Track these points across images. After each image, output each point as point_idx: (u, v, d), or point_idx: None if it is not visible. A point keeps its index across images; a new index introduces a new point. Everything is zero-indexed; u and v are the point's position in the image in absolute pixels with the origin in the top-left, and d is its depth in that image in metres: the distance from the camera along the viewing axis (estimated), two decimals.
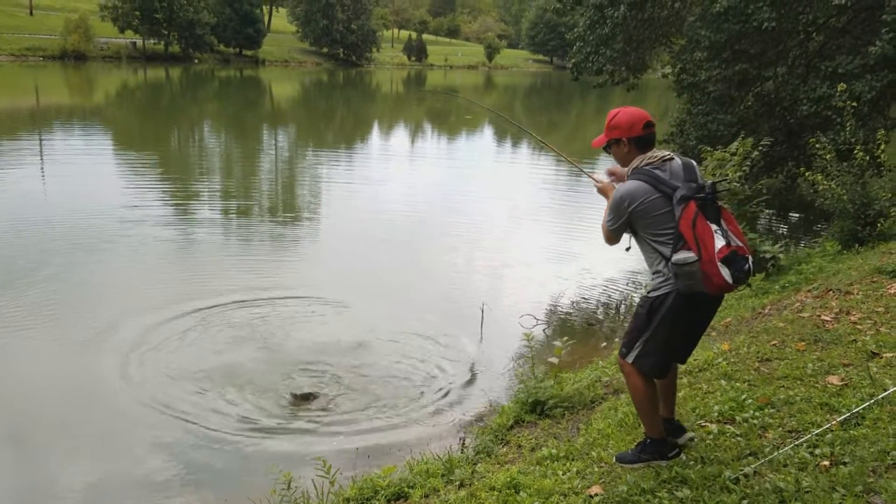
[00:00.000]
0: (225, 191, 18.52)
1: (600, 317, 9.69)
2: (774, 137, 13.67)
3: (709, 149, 10.42)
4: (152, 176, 19.40)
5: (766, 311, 7.24)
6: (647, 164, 3.56)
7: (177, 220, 14.52)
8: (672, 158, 3.60)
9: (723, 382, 4.88)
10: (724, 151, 10.24)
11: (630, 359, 3.66)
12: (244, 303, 9.31)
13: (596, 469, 3.86)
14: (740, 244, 3.40)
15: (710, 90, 15.69)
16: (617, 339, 8.24)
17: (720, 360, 5.40)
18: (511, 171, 25.31)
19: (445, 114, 47.09)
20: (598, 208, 12.76)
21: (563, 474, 3.86)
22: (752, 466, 3.59)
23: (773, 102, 15.69)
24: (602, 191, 3.95)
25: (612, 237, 3.73)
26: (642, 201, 3.49)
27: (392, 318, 9.10)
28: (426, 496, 3.99)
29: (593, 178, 4.09)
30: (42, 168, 19.54)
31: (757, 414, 4.24)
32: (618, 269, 11.49)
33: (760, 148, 10.41)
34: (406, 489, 4.13)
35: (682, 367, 5.47)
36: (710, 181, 3.47)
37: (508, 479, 3.80)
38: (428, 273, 11.33)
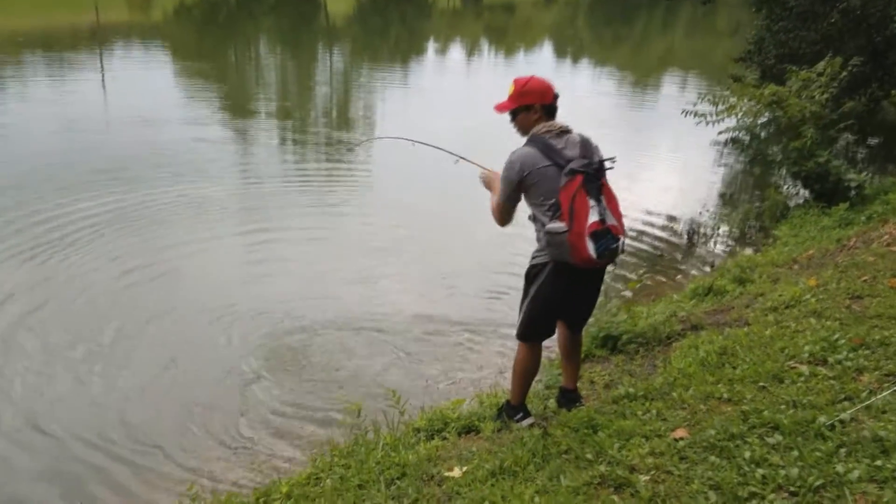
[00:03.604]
0: (281, 106, 18.42)
1: (669, 246, 9.25)
2: (859, 57, 12.77)
3: (794, 68, 9.79)
4: (211, 91, 19.43)
5: (852, 243, 6.85)
6: (544, 132, 3.55)
7: (233, 132, 14.55)
8: (570, 131, 3.59)
9: (812, 321, 4.60)
10: (811, 72, 9.62)
11: (518, 331, 3.80)
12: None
13: (679, 411, 3.66)
14: (615, 223, 3.42)
15: (791, 5, 14.69)
16: (695, 272, 7.91)
17: (808, 296, 5.10)
18: (570, 87, 24.54)
19: (503, 30, 45.76)
20: (662, 135, 12.32)
21: (643, 414, 3.69)
22: (849, 412, 3.35)
23: (860, 19, 14.63)
24: (487, 181, 3.98)
25: (504, 210, 3.67)
26: (533, 168, 3.48)
27: (451, 247, 8.94)
28: (498, 430, 3.87)
29: (483, 168, 4.10)
30: (103, 82, 19.72)
31: (850, 355, 3.98)
32: (681, 197, 11.02)
33: (850, 68, 9.75)
34: (476, 423, 4.02)
35: (766, 304, 5.23)
36: (597, 158, 3.50)
37: (585, 418, 3.64)
38: (483, 202, 10.86)
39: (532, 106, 3.58)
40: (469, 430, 4.00)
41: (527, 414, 3.92)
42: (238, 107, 17.57)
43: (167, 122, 14.84)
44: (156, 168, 11.28)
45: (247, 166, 12.37)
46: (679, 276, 7.72)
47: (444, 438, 3.90)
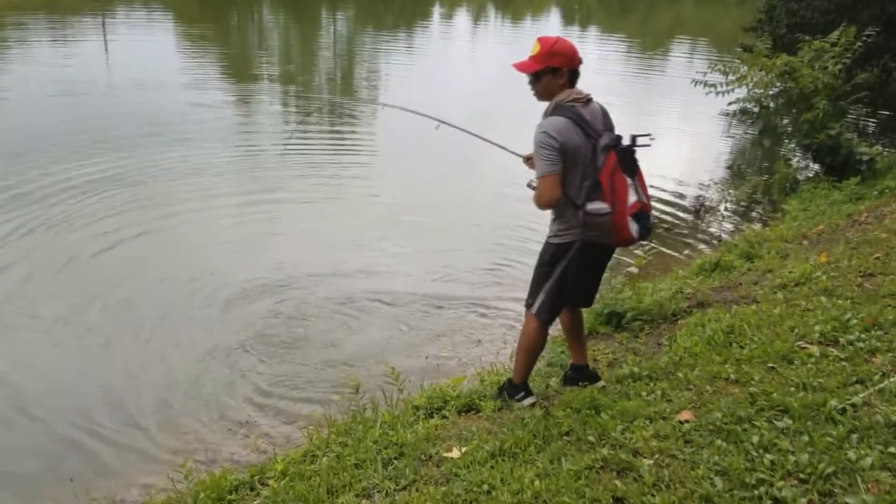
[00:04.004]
0: (283, 71, 18.19)
1: (675, 220, 9.05)
2: (873, 27, 12.46)
3: (806, 38, 9.53)
4: (213, 55, 19.18)
5: (863, 218, 6.71)
6: (572, 101, 3.31)
7: (233, 97, 14.35)
8: (592, 100, 3.38)
9: (823, 299, 4.47)
10: (823, 41, 9.38)
11: (533, 310, 3.60)
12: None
13: (685, 392, 3.56)
14: (646, 200, 3.34)
15: None
16: (702, 247, 7.77)
17: (819, 273, 4.97)
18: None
19: None
20: (670, 104, 12.04)
21: (647, 395, 3.59)
22: (861, 396, 3.24)
23: None
24: (533, 160, 3.69)
25: (553, 183, 3.26)
26: (569, 141, 3.23)
27: (454, 217, 8.79)
28: (499, 410, 3.78)
29: (522, 156, 3.86)
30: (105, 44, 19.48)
31: (863, 336, 3.86)
32: (687, 168, 10.81)
33: (864, 38, 9.49)
34: (477, 401, 3.92)
35: (776, 281, 5.11)
36: (632, 134, 3.31)
37: (588, 399, 3.54)
38: (486, 178, 10.02)
39: (559, 69, 3.31)
40: (469, 408, 3.90)
41: (529, 393, 3.81)
42: (239, 71, 17.36)
43: (167, 87, 14.66)
44: (153, 133, 11.16)
45: (246, 132, 12.26)
46: (686, 251, 7.57)
47: (444, 417, 3.80)
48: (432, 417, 3.81)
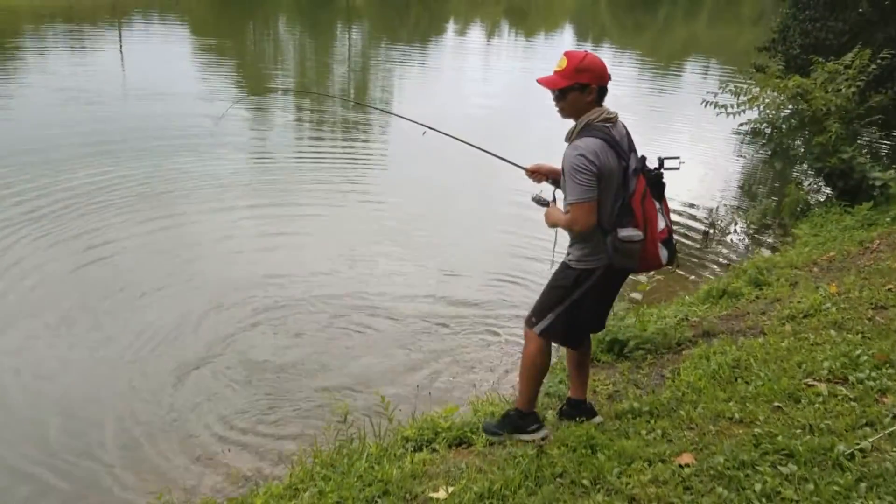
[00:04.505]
0: (298, 83, 18.21)
1: (683, 242, 8.81)
2: (888, 50, 12.28)
3: (820, 59, 9.35)
4: (227, 67, 19.24)
5: (876, 245, 6.53)
6: (603, 120, 3.18)
7: (245, 109, 14.35)
8: (618, 120, 3.26)
9: (832, 332, 4.30)
10: (837, 63, 9.20)
11: (538, 330, 3.43)
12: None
13: (686, 432, 3.40)
14: (671, 226, 3.30)
15: None
16: (709, 272, 7.59)
17: (828, 304, 4.80)
18: None
19: (524, 13, 45.13)
20: (682, 122, 11.85)
21: (646, 434, 3.42)
22: (870, 440, 3.07)
23: (890, 9, 14.09)
24: (537, 173, 3.64)
25: (591, 210, 3.11)
26: (605, 164, 3.10)
27: (461, 230, 8.66)
28: (490, 445, 3.62)
29: (525, 168, 3.72)
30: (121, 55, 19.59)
31: (874, 374, 3.68)
32: (697, 188, 10.64)
33: (879, 61, 9.31)
34: (469, 434, 3.75)
35: (784, 312, 4.95)
36: (659, 157, 3.25)
37: (584, 436, 3.38)
38: (494, 192, 9.76)
39: (588, 86, 3.16)
40: (461, 441, 3.74)
41: (539, 423, 3.58)
42: (253, 83, 17.38)
43: (179, 97, 14.68)
44: (158, 142, 11.19)
45: (255, 143, 12.21)
46: (692, 276, 7.39)
47: (434, 451, 3.65)
48: (421, 451, 3.66)
